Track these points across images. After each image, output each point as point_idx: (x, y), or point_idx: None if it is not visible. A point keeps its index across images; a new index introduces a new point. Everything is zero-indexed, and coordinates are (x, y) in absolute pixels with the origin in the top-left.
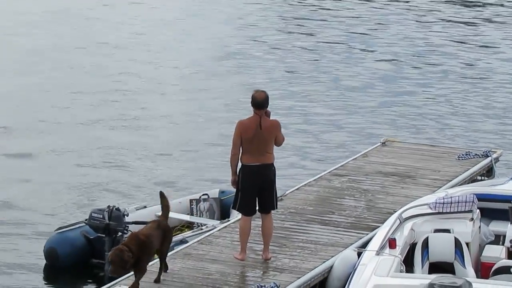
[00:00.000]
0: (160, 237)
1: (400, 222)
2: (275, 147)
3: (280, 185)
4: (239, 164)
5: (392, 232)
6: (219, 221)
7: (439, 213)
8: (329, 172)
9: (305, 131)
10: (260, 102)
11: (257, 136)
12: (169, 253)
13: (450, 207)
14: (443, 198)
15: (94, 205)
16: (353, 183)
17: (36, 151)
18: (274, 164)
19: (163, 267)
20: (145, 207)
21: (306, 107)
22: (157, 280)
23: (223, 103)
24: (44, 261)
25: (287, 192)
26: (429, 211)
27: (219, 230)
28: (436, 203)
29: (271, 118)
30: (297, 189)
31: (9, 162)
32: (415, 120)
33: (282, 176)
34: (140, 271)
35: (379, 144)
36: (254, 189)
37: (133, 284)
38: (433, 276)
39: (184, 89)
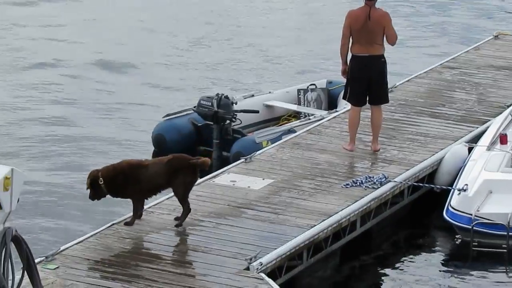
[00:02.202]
0: (166, 174)
1: None
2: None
3: (391, 76)
4: (350, 55)
5: (504, 128)
6: (326, 112)
7: None
8: (440, 64)
9: (416, 22)
10: None
11: (366, 27)
12: (277, 142)
13: None
14: None
15: (202, 93)
16: (464, 76)
17: (149, 36)
18: (384, 56)
19: (184, 210)
20: (253, 95)
21: (415, 0)
22: (177, 225)
23: None
24: (152, 148)
25: (397, 84)
26: None
27: (328, 120)
28: None
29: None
30: (407, 80)
31: (119, 47)
32: None
33: (392, 67)
34: (132, 204)
35: (492, 37)
36: (363, 79)
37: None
38: None
39: None
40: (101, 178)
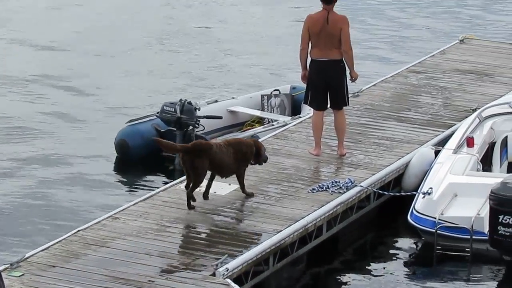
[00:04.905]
0: None
1: (480, 121)
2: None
3: (358, 80)
4: (309, 59)
5: (471, 131)
6: (290, 117)
7: None
8: (406, 68)
9: (381, 28)
10: None
11: (324, 31)
12: None
13: None
14: None
15: (165, 99)
16: (430, 80)
17: (110, 41)
18: (344, 61)
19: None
20: (216, 101)
21: (381, 5)
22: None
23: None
24: (115, 153)
25: (363, 88)
26: (510, 110)
27: (294, 125)
28: None
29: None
30: (373, 85)
31: (82, 57)
32: (494, 17)
33: (358, 71)
34: None
35: (457, 41)
36: (323, 84)
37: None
38: (508, 175)
39: None
40: None
